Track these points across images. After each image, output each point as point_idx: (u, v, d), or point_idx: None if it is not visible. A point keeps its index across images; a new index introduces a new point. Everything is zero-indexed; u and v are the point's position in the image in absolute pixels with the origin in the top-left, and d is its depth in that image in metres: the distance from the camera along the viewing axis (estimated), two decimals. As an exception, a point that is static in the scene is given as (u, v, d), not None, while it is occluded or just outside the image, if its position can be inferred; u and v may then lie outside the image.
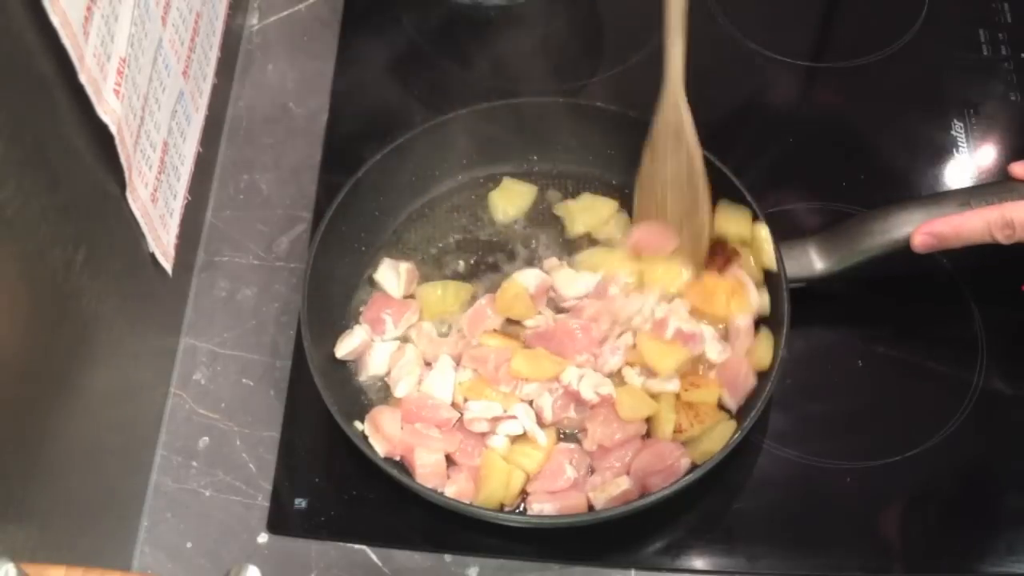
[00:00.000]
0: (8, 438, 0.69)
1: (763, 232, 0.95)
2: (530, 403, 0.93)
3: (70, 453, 0.78)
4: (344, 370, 0.96)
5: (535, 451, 0.91)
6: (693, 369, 0.94)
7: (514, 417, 0.91)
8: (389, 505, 0.91)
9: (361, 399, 0.95)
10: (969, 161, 1.11)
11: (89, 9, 0.73)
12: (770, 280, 0.95)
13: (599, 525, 0.86)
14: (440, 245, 1.03)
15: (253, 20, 1.21)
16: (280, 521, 0.91)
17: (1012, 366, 0.98)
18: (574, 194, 1.05)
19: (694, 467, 0.88)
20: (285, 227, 0.99)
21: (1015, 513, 0.92)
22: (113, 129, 0.78)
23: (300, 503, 0.92)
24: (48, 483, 0.75)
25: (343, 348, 0.95)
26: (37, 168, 0.71)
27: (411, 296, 1.00)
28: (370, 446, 0.90)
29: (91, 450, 0.82)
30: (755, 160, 1.12)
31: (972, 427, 0.95)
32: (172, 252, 0.96)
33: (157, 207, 0.91)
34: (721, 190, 0.97)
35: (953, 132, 1.13)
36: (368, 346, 0.96)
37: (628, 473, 0.89)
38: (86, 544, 0.82)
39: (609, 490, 0.88)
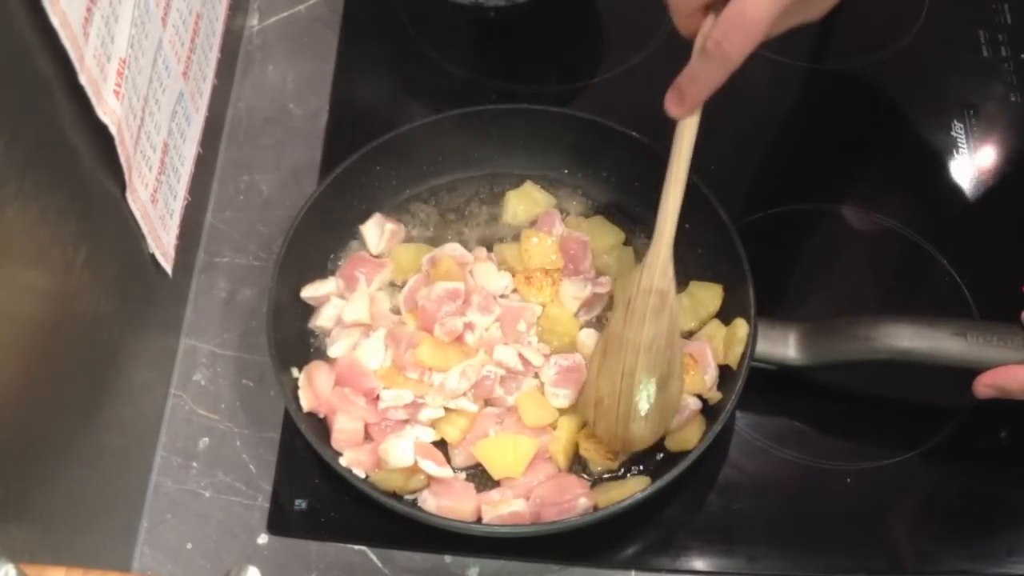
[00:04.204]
0: (8, 439, 0.69)
1: (743, 331, 0.91)
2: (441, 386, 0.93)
3: (70, 454, 0.78)
4: (302, 311, 0.98)
5: (459, 418, 0.92)
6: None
7: (426, 405, 0.92)
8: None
9: (309, 343, 0.98)
10: (969, 162, 1.11)
11: (89, 10, 0.73)
12: (727, 374, 0.93)
13: (599, 525, 0.86)
14: (439, 222, 1.04)
15: (253, 21, 1.21)
16: (280, 522, 0.91)
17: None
18: (588, 215, 1.04)
19: (596, 509, 0.87)
20: (285, 228, 0.99)
21: (1015, 514, 0.92)
22: (113, 130, 0.78)
23: (300, 504, 0.92)
24: (48, 484, 0.75)
25: (309, 290, 0.98)
26: (37, 168, 0.70)
27: (387, 256, 1.02)
28: (295, 399, 0.91)
29: (91, 450, 0.82)
30: (755, 160, 1.12)
31: (972, 428, 0.95)
32: (172, 253, 0.96)
33: (157, 208, 0.91)
34: (727, 273, 0.96)
35: (953, 133, 1.13)
36: (328, 298, 0.98)
37: (527, 497, 0.89)
38: (86, 545, 0.82)
39: (500, 508, 0.87)
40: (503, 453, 0.90)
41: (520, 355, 0.94)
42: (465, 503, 0.88)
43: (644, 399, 0.87)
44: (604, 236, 1.02)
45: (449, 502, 0.88)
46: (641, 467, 0.92)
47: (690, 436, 0.90)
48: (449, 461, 0.92)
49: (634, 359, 0.86)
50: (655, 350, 0.86)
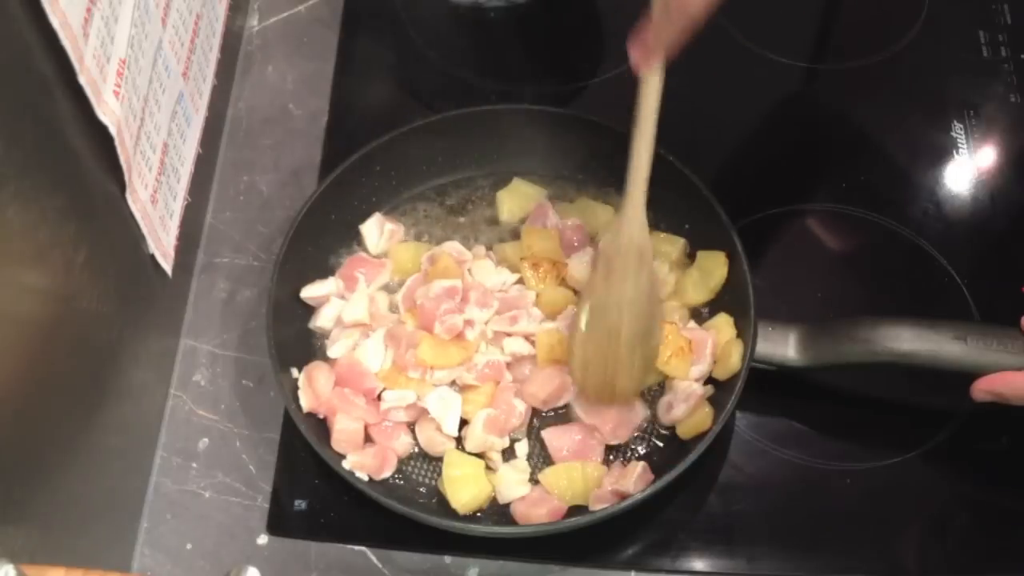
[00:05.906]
0: (8, 439, 0.69)
1: (736, 356, 0.91)
2: (452, 383, 0.94)
3: (70, 454, 0.78)
4: (302, 311, 0.98)
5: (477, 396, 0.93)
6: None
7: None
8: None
9: (310, 343, 0.98)
10: (969, 162, 1.11)
11: (89, 10, 0.73)
12: (723, 382, 0.93)
13: (599, 526, 0.86)
14: (439, 222, 1.05)
15: (253, 21, 1.21)
16: (280, 522, 0.91)
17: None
18: (573, 199, 1.05)
19: None
20: (285, 228, 0.99)
21: (1015, 516, 0.92)
22: (113, 130, 0.78)
23: (300, 504, 0.92)
24: (48, 484, 0.75)
25: (309, 291, 0.98)
26: (37, 169, 0.71)
27: (387, 255, 1.02)
28: (295, 399, 0.91)
29: (91, 451, 0.82)
30: (755, 161, 1.12)
31: (972, 430, 0.95)
32: (172, 253, 0.96)
33: (157, 208, 0.91)
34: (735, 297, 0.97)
35: (953, 133, 1.13)
36: (328, 298, 0.98)
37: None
38: (86, 545, 0.82)
39: (629, 473, 0.88)
40: (572, 481, 0.90)
41: (526, 339, 0.95)
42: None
43: (630, 356, 0.89)
44: (595, 215, 1.02)
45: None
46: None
47: (700, 421, 0.91)
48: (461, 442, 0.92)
49: (619, 318, 0.89)
50: (637, 307, 0.88)
